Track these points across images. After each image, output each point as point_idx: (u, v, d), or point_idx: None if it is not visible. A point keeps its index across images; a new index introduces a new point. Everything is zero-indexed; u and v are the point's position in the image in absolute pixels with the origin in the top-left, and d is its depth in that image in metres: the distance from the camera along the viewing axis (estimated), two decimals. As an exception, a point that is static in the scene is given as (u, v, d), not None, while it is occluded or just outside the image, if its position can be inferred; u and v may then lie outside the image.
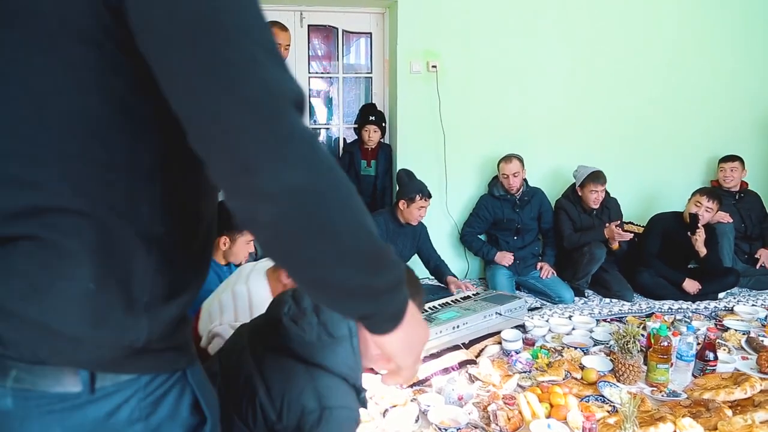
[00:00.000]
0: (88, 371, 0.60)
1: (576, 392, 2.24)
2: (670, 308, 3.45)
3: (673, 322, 2.99)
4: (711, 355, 2.39)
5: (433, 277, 3.65)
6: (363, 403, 1.28)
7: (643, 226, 3.93)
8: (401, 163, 3.92)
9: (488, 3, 3.87)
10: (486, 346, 2.76)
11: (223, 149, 0.55)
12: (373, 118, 3.75)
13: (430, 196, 3.35)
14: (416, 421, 2.04)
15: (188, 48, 0.53)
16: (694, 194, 3.63)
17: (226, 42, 0.53)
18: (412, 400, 2.19)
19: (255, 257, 2.82)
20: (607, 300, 3.60)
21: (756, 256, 3.93)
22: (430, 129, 3.90)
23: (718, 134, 4.35)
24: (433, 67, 3.83)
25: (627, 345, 2.34)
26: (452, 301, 3.15)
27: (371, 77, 4.17)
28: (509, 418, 2.00)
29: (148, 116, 0.59)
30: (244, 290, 1.86)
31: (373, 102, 4.06)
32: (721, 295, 3.61)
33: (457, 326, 2.78)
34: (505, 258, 3.67)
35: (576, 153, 3.98)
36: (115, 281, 0.59)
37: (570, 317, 3.19)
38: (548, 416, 2.05)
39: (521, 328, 2.94)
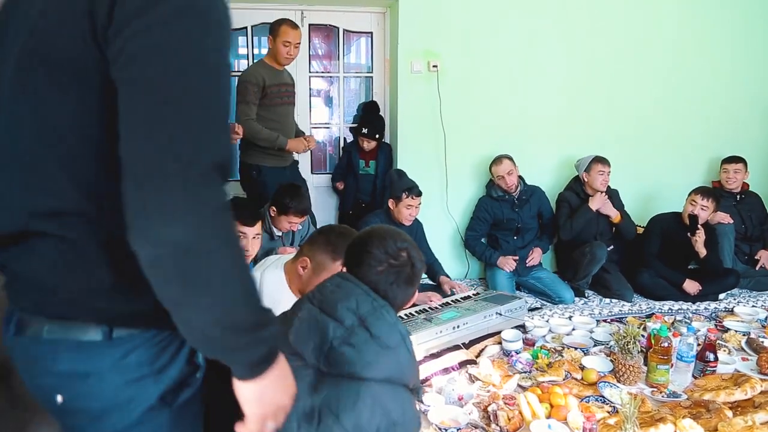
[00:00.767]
0: (107, 326, 0.80)
1: (576, 393, 2.24)
2: (670, 309, 3.45)
3: (673, 323, 2.99)
4: (711, 356, 2.39)
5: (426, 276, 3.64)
6: (420, 399, 1.28)
7: (642, 227, 3.94)
8: (402, 162, 3.92)
9: (489, 3, 3.87)
10: (486, 346, 2.76)
11: (137, 183, 0.66)
12: (366, 130, 3.76)
13: (419, 194, 3.30)
14: (416, 421, 2.04)
15: (152, 98, 0.66)
16: (690, 194, 3.63)
17: (179, 110, 0.66)
18: (412, 400, 2.19)
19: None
20: (607, 300, 3.60)
21: (756, 257, 3.93)
22: (431, 129, 3.90)
23: (719, 135, 4.35)
24: (434, 66, 3.82)
25: (627, 345, 2.34)
26: (452, 301, 3.15)
27: (372, 77, 4.17)
28: (509, 418, 2.00)
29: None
30: (257, 276, 1.87)
31: (376, 103, 4.05)
32: (721, 296, 3.61)
33: (457, 326, 2.78)
34: (507, 264, 3.66)
35: (576, 152, 3.97)
36: (116, 266, 0.77)
37: (570, 317, 3.19)
38: (548, 416, 2.05)
39: (521, 328, 2.94)
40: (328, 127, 4.38)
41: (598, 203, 3.71)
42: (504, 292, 3.49)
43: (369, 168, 3.90)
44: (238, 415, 0.85)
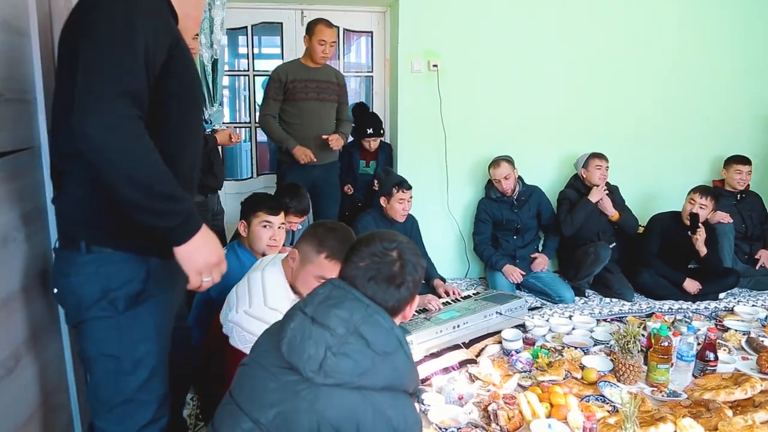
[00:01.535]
0: (85, 242, 1.20)
1: (576, 392, 2.24)
2: (670, 308, 3.45)
3: (673, 322, 2.99)
4: (711, 356, 2.39)
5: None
6: (419, 401, 1.27)
7: (642, 226, 3.94)
8: (402, 162, 3.92)
9: (489, 3, 3.86)
10: (486, 346, 2.76)
11: (77, 106, 1.05)
12: (372, 130, 3.76)
13: (409, 188, 3.29)
14: (416, 420, 2.04)
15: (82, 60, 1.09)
16: (688, 193, 3.63)
17: (96, 64, 1.07)
18: (412, 400, 2.19)
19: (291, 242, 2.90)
20: (608, 300, 3.60)
21: (756, 256, 3.93)
22: (431, 128, 3.90)
23: (719, 134, 4.34)
24: (434, 66, 3.82)
25: (627, 345, 2.34)
26: (452, 300, 3.15)
27: (372, 76, 4.17)
28: (509, 417, 2.00)
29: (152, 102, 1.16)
30: (258, 276, 1.88)
31: (364, 103, 4.05)
32: (721, 295, 3.61)
33: (458, 326, 2.78)
34: (514, 275, 3.64)
35: (576, 152, 3.97)
36: (94, 200, 1.19)
37: (570, 317, 3.19)
38: (548, 416, 2.05)
39: (521, 327, 2.94)
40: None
41: (597, 195, 3.72)
42: (504, 291, 3.49)
43: (369, 168, 3.90)
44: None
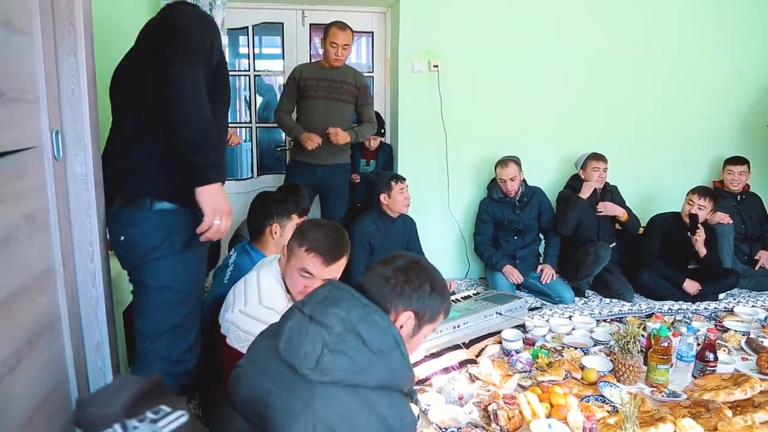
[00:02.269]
0: (150, 199, 1.58)
1: (576, 392, 2.25)
2: (670, 309, 3.45)
3: (673, 323, 2.99)
4: (711, 356, 2.40)
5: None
6: (414, 401, 1.27)
7: (642, 227, 3.94)
8: (402, 162, 3.93)
9: (490, 3, 3.87)
10: (486, 346, 2.76)
11: (167, 55, 1.47)
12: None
13: (404, 179, 3.33)
14: (416, 420, 2.05)
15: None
16: (687, 193, 3.64)
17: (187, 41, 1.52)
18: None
19: None
20: (608, 300, 3.61)
21: (756, 257, 3.94)
22: (432, 128, 3.90)
23: (719, 135, 4.35)
24: (435, 66, 3.83)
25: (627, 345, 2.34)
26: (452, 300, 3.15)
27: (373, 76, 4.17)
28: (509, 417, 2.01)
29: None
30: (254, 276, 1.88)
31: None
32: (721, 296, 3.61)
33: (458, 326, 2.79)
34: (513, 275, 3.64)
35: (576, 152, 3.98)
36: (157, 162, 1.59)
37: (570, 317, 3.20)
38: (548, 416, 2.05)
39: (521, 327, 2.94)
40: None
41: (587, 191, 3.73)
42: (504, 291, 3.49)
43: (369, 167, 3.90)
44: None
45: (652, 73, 4.18)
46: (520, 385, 2.34)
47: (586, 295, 3.69)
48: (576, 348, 2.70)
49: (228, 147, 3.49)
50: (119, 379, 0.98)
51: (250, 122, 4.14)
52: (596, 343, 2.80)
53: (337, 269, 1.81)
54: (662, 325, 2.53)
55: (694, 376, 2.39)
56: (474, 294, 3.28)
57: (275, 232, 2.37)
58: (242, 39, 4.05)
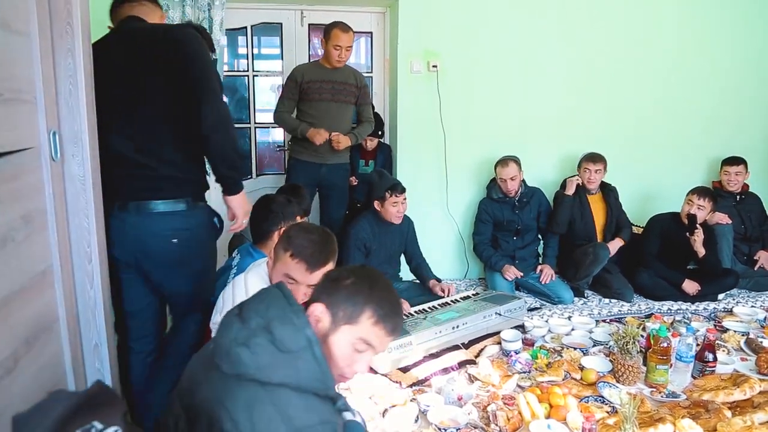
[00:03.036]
0: (190, 200, 1.91)
1: (575, 393, 2.25)
2: (669, 309, 3.45)
3: (672, 323, 2.99)
4: (710, 356, 2.40)
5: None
6: (345, 409, 1.23)
7: (641, 227, 3.94)
8: (401, 162, 3.93)
9: (489, 3, 3.87)
10: (485, 346, 2.76)
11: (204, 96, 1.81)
12: None
13: (403, 191, 3.24)
14: (416, 421, 2.05)
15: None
16: (687, 193, 3.64)
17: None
18: (411, 400, 2.19)
19: None
20: (607, 300, 3.61)
21: (755, 257, 3.93)
22: (431, 129, 3.90)
23: (719, 135, 4.35)
24: (434, 66, 3.83)
25: (626, 346, 2.34)
26: (452, 301, 3.15)
27: (372, 76, 4.16)
28: (509, 418, 2.00)
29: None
30: (242, 279, 1.88)
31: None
32: (720, 296, 3.61)
33: (457, 326, 2.78)
34: (509, 272, 3.63)
35: (576, 152, 3.98)
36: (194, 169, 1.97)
37: (569, 318, 3.20)
38: (548, 417, 2.05)
39: (521, 328, 2.94)
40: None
41: (571, 188, 3.75)
42: (503, 292, 3.49)
43: (368, 167, 3.90)
44: None
45: (651, 72, 4.18)
46: (519, 386, 2.34)
47: (586, 295, 3.68)
48: (575, 348, 2.70)
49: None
50: (52, 394, 0.93)
51: (249, 123, 4.14)
52: (595, 343, 2.80)
53: (322, 275, 1.81)
54: (661, 325, 2.53)
55: (693, 377, 2.39)
56: (473, 294, 3.28)
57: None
58: (241, 39, 4.04)
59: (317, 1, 3.85)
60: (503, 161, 3.72)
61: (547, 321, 3.11)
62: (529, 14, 3.93)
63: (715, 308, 3.46)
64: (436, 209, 4.01)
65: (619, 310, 3.42)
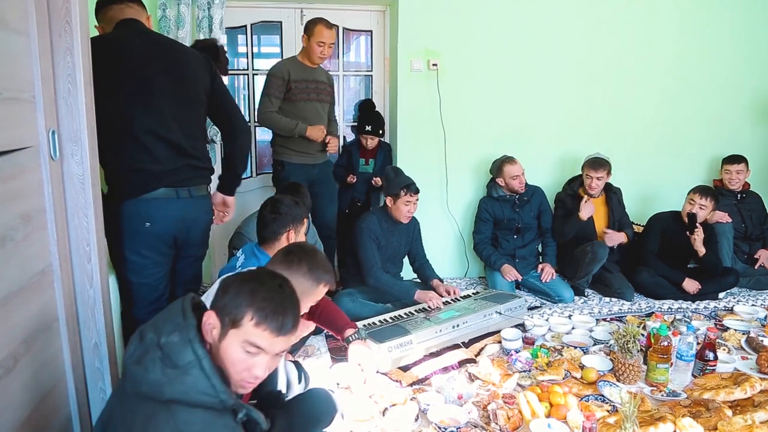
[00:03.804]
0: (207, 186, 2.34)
1: (576, 392, 2.25)
2: (669, 308, 3.45)
3: (672, 322, 2.99)
4: (711, 355, 2.39)
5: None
6: (248, 419, 1.19)
7: (642, 226, 3.94)
8: (401, 161, 3.92)
9: (489, 2, 3.86)
10: (486, 345, 2.76)
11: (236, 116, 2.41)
12: (370, 128, 3.73)
13: (417, 191, 3.24)
14: (416, 420, 2.04)
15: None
16: (688, 193, 3.63)
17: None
18: (411, 399, 2.19)
19: None
20: (607, 299, 3.60)
21: (756, 256, 3.93)
22: (431, 127, 3.90)
23: (719, 134, 4.34)
24: (434, 65, 3.82)
25: (627, 344, 2.34)
26: (452, 300, 3.15)
27: (371, 75, 4.16)
28: (509, 417, 2.00)
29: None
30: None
31: (372, 100, 4.05)
32: (720, 295, 3.61)
33: (457, 325, 2.78)
34: (509, 274, 3.62)
35: (576, 152, 3.97)
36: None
37: (570, 316, 3.19)
38: (548, 415, 2.05)
39: (521, 327, 2.94)
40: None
41: (587, 213, 3.66)
42: (503, 291, 3.49)
43: (368, 166, 3.89)
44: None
45: (652, 72, 4.17)
46: (519, 385, 2.34)
47: (586, 294, 3.68)
48: (575, 347, 2.70)
49: None
50: None
51: (249, 121, 4.13)
52: (596, 342, 2.80)
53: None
54: (662, 324, 2.53)
55: (693, 376, 2.39)
56: (473, 293, 3.28)
57: (291, 239, 2.38)
58: (241, 38, 4.03)
59: (317, -1, 3.85)
60: (510, 159, 3.71)
61: (547, 320, 3.11)
62: (529, 14, 3.93)
63: (715, 307, 3.45)
64: (436, 208, 4.01)
65: (620, 309, 3.41)
